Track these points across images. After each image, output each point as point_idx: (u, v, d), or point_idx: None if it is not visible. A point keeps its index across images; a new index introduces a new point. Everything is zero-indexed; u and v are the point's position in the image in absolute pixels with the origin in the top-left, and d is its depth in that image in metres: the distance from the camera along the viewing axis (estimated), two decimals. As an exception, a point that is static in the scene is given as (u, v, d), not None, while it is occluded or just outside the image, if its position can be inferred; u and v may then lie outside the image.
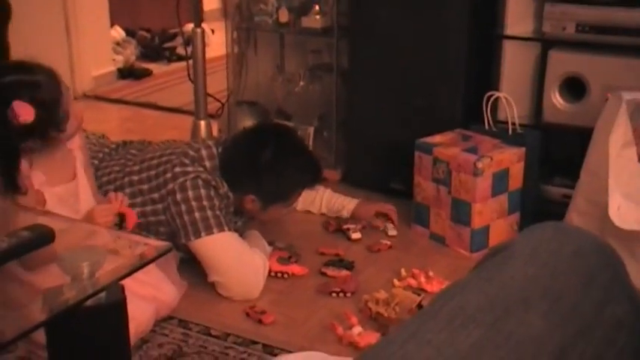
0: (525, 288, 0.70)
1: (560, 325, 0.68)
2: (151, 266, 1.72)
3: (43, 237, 1.23)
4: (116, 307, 1.32)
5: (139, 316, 1.77)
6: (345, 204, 2.46)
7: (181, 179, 1.98)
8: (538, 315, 0.67)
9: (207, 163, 2.03)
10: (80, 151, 1.84)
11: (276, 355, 1.75)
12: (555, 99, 2.32)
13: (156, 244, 1.40)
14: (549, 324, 0.67)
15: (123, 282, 1.29)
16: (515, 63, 2.41)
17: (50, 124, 1.69)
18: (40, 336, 1.43)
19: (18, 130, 1.61)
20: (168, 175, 2.01)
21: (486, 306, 0.68)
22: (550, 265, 0.72)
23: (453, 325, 0.66)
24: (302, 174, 2.09)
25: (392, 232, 2.37)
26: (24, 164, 1.57)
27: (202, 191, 1.98)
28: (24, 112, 1.61)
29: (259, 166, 2.03)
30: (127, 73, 4.19)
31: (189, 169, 2.00)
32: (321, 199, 2.49)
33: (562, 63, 2.29)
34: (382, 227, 2.39)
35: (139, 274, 1.68)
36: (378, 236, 2.35)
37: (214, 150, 2.07)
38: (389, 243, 2.30)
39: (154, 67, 4.39)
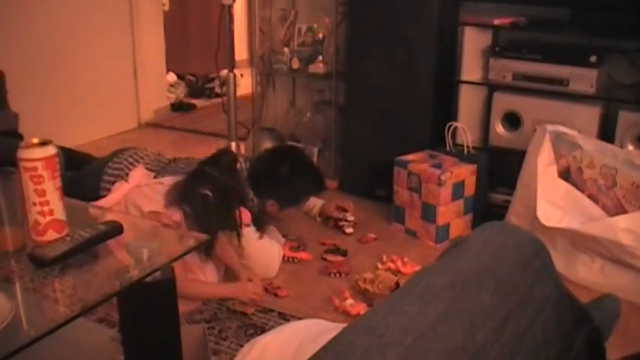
0: (478, 272, 0.70)
1: (503, 300, 0.68)
2: (193, 256, 1.71)
3: (115, 229, 1.23)
4: (167, 284, 1.31)
5: (192, 295, 1.76)
6: (313, 204, 2.40)
7: None
8: (487, 292, 0.67)
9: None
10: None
11: (288, 320, 1.74)
12: (498, 128, 2.32)
13: (197, 236, 1.39)
14: (496, 299, 0.67)
15: (178, 266, 1.28)
16: (469, 101, 2.41)
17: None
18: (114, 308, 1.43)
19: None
20: None
21: (448, 285, 0.68)
22: (497, 255, 0.72)
23: (423, 300, 0.66)
24: (310, 184, 2.09)
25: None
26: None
27: None
28: (245, 218, 1.77)
29: (278, 178, 2.03)
30: (177, 107, 4.19)
31: None
32: None
33: (503, 102, 2.29)
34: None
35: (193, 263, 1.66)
36: (366, 230, 2.34)
37: (243, 165, 2.06)
38: (374, 236, 2.29)
39: (198, 102, 4.39)
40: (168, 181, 1.86)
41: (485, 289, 0.68)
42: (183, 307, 1.54)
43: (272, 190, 2.04)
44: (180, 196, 1.74)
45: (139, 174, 1.92)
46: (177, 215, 1.70)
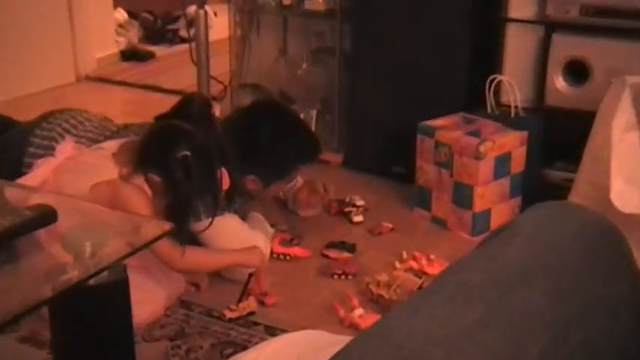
0: (527, 265, 0.70)
1: (562, 302, 0.68)
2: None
3: (46, 216, 1.23)
4: (118, 287, 1.32)
5: (152, 302, 1.78)
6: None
7: None
8: (541, 292, 0.68)
9: None
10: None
11: (278, 335, 1.75)
12: (558, 82, 2.31)
13: (158, 224, 1.40)
14: (551, 300, 0.67)
15: (130, 264, 1.29)
16: (518, 46, 2.39)
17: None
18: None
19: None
20: None
21: (489, 282, 0.68)
22: (552, 243, 0.72)
23: (456, 301, 0.66)
24: (301, 150, 2.09)
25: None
26: None
27: None
28: (225, 181, 1.80)
29: (257, 147, 2.02)
30: (129, 55, 4.17)
31: None
32: None
33: (565, 46, 2.27)
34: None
35: (145, 257, 1.69)
36: (379, 219, 2.35)
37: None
38: (390, 226, 2.30)
39: (157, 49, 4.37)
40: (112, 145, 1.86)
41: (537, 288, 0.68)
42: (138, 317, 1.54)
43: (251, 162, 2.03)
44: (146, 160, 1.76)
45: (67, 148, 1.91)
46: (138, 180, 1.75)
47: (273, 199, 2.31)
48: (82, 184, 1.76)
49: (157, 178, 1.76)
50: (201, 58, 2.75)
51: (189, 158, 1.73)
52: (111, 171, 1.79)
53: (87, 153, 1.90)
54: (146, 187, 1.78)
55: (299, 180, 2.36)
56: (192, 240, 2.02)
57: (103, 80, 3.83)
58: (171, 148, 1.74)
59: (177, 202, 1.75)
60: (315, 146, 2.14)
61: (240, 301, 1.86)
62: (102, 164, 1.81)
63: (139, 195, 1.76)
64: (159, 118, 1.85)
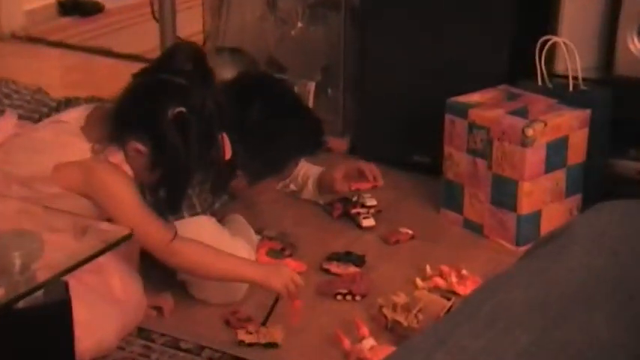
0: (588, 283, 0.70)
1: (632, 333, 0.68)
2: (108, 260, 1.73)
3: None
4: (57, 310, 1.33)
5: (102, 329, 1.76)
6: (310, 174, 2.41)
7: None
8: (604, 318, 0.68)
9: None
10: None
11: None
12: (633, 45, 2.31)
13: (111, 228, 1.41)
14: (618, 329, 0.68)
15: (69, 278, 1.30)
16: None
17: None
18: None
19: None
20: None
21: (537, 305, 0.68)
22: (621, 254, 0.72)
23: (494, 329, 0.67)
24: (298, 137, 2.10)
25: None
26: None
27: None
28: (227, 150, 1.85)
29: (243, 131, 2.03)
30: (70, 7, 4.16)
31: None
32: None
33: (642, -2, 2.28)
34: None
35: (92, 269, 1.69)
36: (396, 222, 2.35)
37: None
38: (410, 232, 2.31)
39: (107, 0, 4.37)
40: (74, 116, 1.87)
41: (599, 312, 0.68)
42: (82, 349, 1.55)
43: (236, 153, 2.05)
44: (127, 125, 1.78)
45: (8, 125, 1.93)
46: (117, 157, 1.78)
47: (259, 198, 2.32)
48: (41, 166, 1.78)
49: (142, 148, 1.77)
50: (165, 13, 2.75)
51: (186, 115, 1.75)
52: (80, 149, 1.80)
53: (42, 128, 1.91)
54: (126, 167, 1.80)
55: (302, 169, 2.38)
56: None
57: (35, 40, 3.82)
58: (161, 106, 1.76)
59: (174, 172, 1.78)
60: (317, 133, 2.15)
61: (264, 324, 1.86)
62: (67, 141, 1.82)
63: (120, 176, 1.79)
64: (137, 75, 1.86)
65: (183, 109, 1.75)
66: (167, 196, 1.80)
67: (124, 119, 1.80)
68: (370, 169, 2.34)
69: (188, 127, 1.75)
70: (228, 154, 1.86)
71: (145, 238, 1.76)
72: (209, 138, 1.81)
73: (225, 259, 1.89)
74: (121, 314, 1.84)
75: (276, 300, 1.89)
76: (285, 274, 1.88)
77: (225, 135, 1.84)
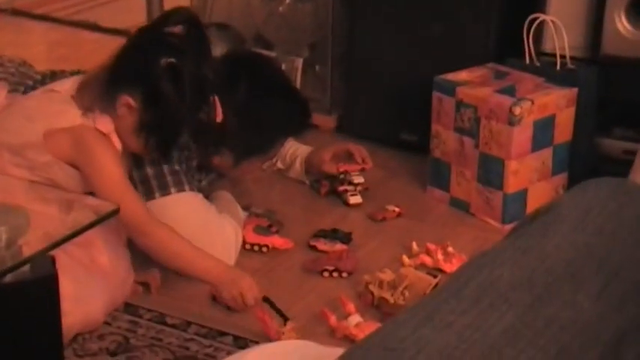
0: (574, 260, 0.70)
1: (617, 308, 0.68)
2: (95, 234, 1.73)
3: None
4: (44, 285, 1.33)
5: (90, 302, 1.77)
6: (298, 153, 2.42)
7: None
8: (589, 294, 0.68)
9: None
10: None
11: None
12: (620, 24, 2.30)
13: (97, 203, 1.41)
14: (604, 306, 0.68)
15: (56, 253, 1.30)
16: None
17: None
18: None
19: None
20: None
21: (523, 282, 0.68)
22: (606, 232, 0.72)
23: (480, 306, 0.67)
24: (284, 118, 2.09)
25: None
26: None
27: None
28: (218, 112, 1.85)
29: (230, 110, 2.02)
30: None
31: None
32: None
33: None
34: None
35: (80, 243, 1.69)
36: (383, 200, 2.35)
37: None
38: (397, 210, 2.31)
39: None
40: (67, 86, 1.88)
41: (584, 289, 0.69)
42: (68, 323, 1.54)
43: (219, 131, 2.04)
44: (118, 78, 1.80)
45: (0, 96, 1.93)
46: (106, 126, 1.79)
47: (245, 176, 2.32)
48: (33, 134, 1.79)
49: (133, 102, 1.79)
50: (153, -13, 2.73)
51: (178, 66, 1.76)
52: (71, 116, 1.82)
53: (34, 97, 1.92)
54: (115, 138, 1.82)
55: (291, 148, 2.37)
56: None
57: (20, 13, 3.79)
58: (153, 57, 1.78)
59: (166, 120, 1.80)
60: (304, 113, 2.15)
61: (285, 321, 1.83)
62: (58, 109, 1.84)
63: (107, 147, 1.80)
64: (131, 37, 1.90)
65: (175, 60, 1.76)
66: (157, 145, 1.81)
67: (116, 76, 1.81)
68: (359, 151, 2.34)
69: (180, 79, 1.77)
70: (219, 117, 1.87)
71: (123, 212, 1.77)
72: (201, 94, 1.82)
73: (193, 253, 1.92)
74: (108, 288, 1.84)
75: (266, 298, 1.89)
76: (241, 287, 1.89)
77: (217, 98, 1.85)
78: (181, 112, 1.79)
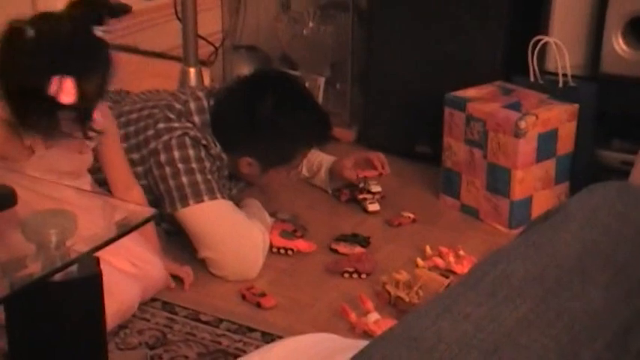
0: (583, 256, 0.70)
1: (623, 301, 0.68)
2: (133, 235, 1.73)
3: (2, 199, 1.24)
4: (90, 284, 1.33)
5: (122, 292, 1.77)
6: (323, 162, 2.41)
7: (166, 137, 1.98)
8: (598, 288, 0.68)
9: (197, 118, 2.03)
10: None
11: (277, 344, 1.76)
12: (617, 45, 2.30)
13: (138, 209, 1.41)
14: (611, 299, 0.68)
15: (99, 253, 1.30)
16: (569, 1, 2.38)
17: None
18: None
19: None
20: (150, 132, 2.00)
21: (536, 276, 0.68)
22: (613, 230, 0.72)
23: (495, 298, 0.67)
24: (307, 130, 2.09)
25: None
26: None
27: (190, 151, 1.98)
28: (68, 94, 1.62)
29: (257, 122, 2.03)
30: (100, 10, 4.16)
31: (175, 125, 2.00)
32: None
33: (628, 0, 2.26)
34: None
35: (118, 245, 1.69)
36: (399, 207, 2.35)
37: (205, 102, 2.06)
38: (412, 216, 2.31)
39: (134, 2, 4.35)
40: None
41: (593, 283, 0.68)
42: (108, 309, 1.53)
43: (248, 142, 2.04)
44: None
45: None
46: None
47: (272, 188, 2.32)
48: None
49: None
50: (188, 13, 2.74)
51: (17, 28, 1.62)
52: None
53: None
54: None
55: (317, 157, 2.37)
56: (175, 227, 2.04)
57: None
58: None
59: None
60: (325, 126, 2.14)
61: None
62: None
63: None
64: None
65: (17, 24, 1.63)
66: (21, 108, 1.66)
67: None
68: (379, 157, 2.34)
69: (19, 44, 1.62)
70: (66, 99, 1.65)
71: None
72: (43, 66, 1.63)
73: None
74: (137, 279, 1.83)
75: None
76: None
77: (71, 80, 1.65)
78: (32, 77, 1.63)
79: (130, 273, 1.83)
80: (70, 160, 1.80)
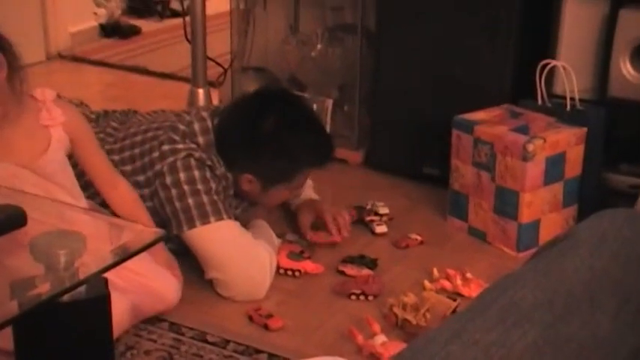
0: (591, 282, 0.70)
1: (632, 327, 0.68)
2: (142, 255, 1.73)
3: (12, 219, 1.24)
4: (98, 304, 1.33)
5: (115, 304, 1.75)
6: (302, 196, 2.34)
7: (171, 159, 1.98)
8: (606, 315, 0.68)
9: (201, 139, 2.03)
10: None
11: (284, 365, 1.76)
12: (625, 69, 2.30)
13: (146, 230, 1.41)
14: (620, 326, 0.67)
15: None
16: (576, 25, 2.39)
17: None
18: (7, 339, 1.45)
19: None
20: (155, 154, 2.00)
21: (544, 303, 0.68)
22: (621, 257, 0.72)
23: (504, 324, 0.67)
24: (309, 149, 2.08)
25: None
26: None
27: (196, 172, 1.98)
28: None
29: (258, 138, 2.03)
30: (111, 30, 4.19)
31: (180, 146, 2.00)
32: None
33: (635, 25, 2.27)
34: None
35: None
36: (407, 229, 2.35)
37: (209, 123, 2.06)
38: (419, 238, 2.30)
39: (144, 23, 4.39)
40: None
41: (602, 310, 0.68)
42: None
43: (248, 159, 2.04)
44: None
45: None
46: None
47: (275, 207, 2.32)
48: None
49: None
50: (197, 35, 2.76)
51: None
52: None
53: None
54: None
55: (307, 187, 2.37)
56: (182, 248, 2.04)
57: (79, 59, 3.85)
58: None
59: None
60: (327, 146, 2.14)
61: None
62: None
63: None
64: None
65: None
66: None
67: None
68: (336, 222, 2.26)
69: None
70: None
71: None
72: None
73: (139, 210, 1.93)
74: (130, 299, 1.81)
75: None
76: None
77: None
78: None
79: (119, 286, 1.77)
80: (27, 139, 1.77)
